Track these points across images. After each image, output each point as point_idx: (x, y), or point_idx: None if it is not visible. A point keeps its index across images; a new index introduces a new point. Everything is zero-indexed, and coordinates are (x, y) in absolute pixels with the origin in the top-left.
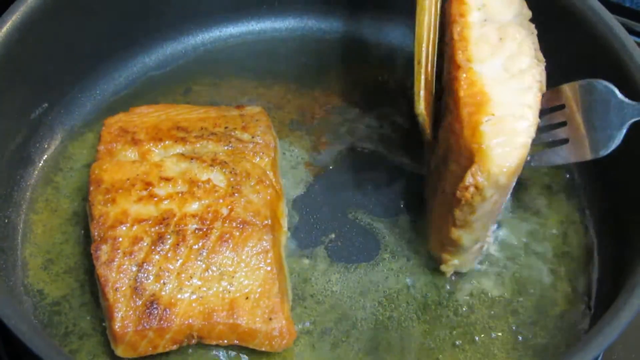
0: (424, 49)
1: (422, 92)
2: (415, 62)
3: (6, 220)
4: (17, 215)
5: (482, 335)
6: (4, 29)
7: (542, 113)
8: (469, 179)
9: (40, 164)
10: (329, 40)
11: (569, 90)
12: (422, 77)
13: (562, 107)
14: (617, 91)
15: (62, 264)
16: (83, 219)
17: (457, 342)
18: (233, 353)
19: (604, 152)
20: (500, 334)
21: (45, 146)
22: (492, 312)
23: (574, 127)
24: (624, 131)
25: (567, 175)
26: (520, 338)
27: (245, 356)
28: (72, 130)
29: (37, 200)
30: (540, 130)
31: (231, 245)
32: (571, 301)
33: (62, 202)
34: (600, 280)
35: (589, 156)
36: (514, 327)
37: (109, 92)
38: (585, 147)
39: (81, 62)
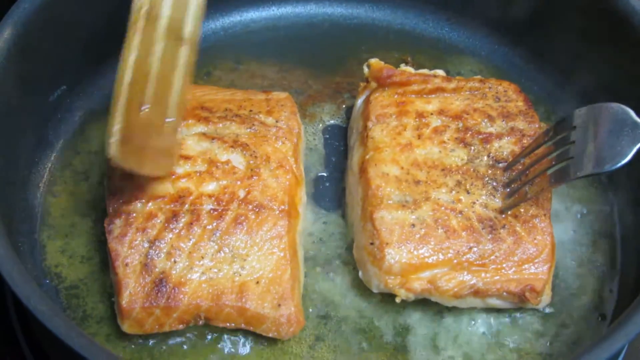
0: (123, 91)
1: (114, 139)
2: (112, 104)
3: (24, 203)
4: (35, 198)
5: (511, 324)
6: (23, 8)
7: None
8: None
9: (59, 147)
10: (351, 25)
11: (584, 111)
12: (118, 121)
13: (574, 128)
14: (632, 113)
15: (80, 247)
16: (101, 202)
17: (484, 332)
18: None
19: (610, 168)
20: (528, 322)
21: (64, 129)
22: None
23: (582, 144)
24: (634, 150)
25: None
26: (546, 328)
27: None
28: (91, 113)
29: (55, 183)
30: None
31: (245, 228)
32: (597, 290)
33: (80, 186)
34: (625, 270)
35: (591, 170)
36: (540, 317)
37: None
38: (589, 161)
39: (101, 43)
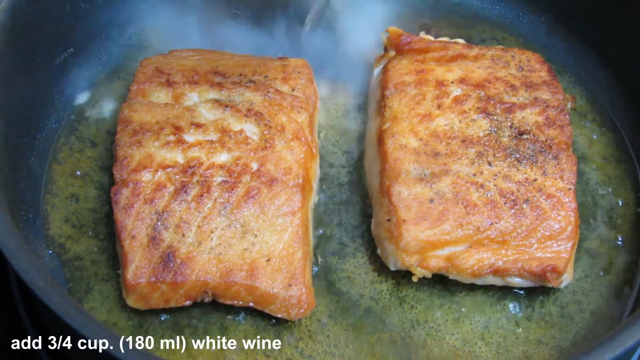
0: None
1: None
2: None
3: (28, 171)
4: (40, 165)
5: (530, 308)
6: None
7: None
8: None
9: (65, 112)
10: None
11: None
12: None
13: None
14: None
15: (85, 217)
16: (108, 170)
17: (502, 316)
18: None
19: None
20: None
21: (71, 93)
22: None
23: None
24: None
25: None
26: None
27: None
28: (99, 77)
29: (60, 150)
30: None
31: (258, 202)
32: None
33: (87, 152)
34: None
35: None
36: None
37: (140, 38)
38: None
39: (111, 4)
